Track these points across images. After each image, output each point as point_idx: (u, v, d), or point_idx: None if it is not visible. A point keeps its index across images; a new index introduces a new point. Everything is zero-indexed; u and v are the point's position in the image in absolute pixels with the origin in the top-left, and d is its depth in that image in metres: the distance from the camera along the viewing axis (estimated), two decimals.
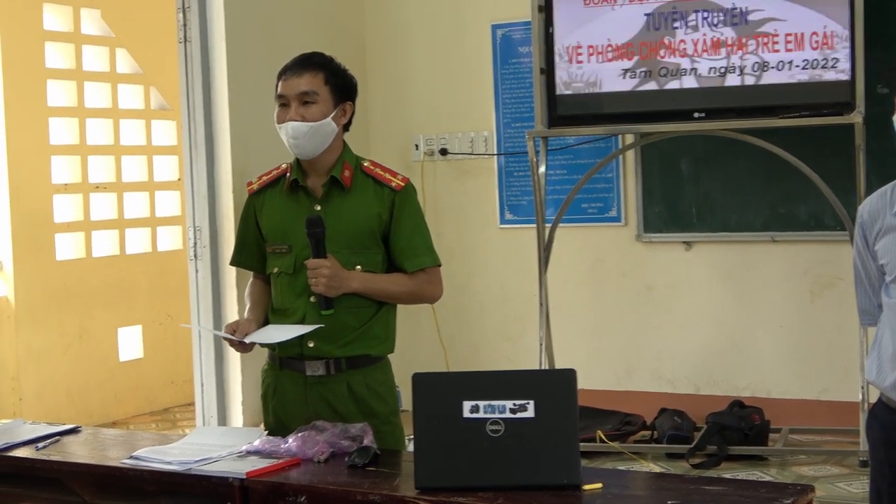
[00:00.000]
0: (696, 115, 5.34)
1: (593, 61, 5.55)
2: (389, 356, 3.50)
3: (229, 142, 5.87)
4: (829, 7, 5.06)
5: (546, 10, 5.55)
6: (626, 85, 5.51)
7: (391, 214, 3.35)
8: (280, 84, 3.31)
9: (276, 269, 3.41)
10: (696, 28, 5.39)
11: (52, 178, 7.56)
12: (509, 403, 2.62)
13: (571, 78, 5.58)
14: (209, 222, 5.95)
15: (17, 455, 3.39)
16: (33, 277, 7.33)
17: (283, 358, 3.40)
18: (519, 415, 2.61)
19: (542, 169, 5.67)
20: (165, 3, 6.31)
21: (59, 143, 7.64)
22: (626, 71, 5.51)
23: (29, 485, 3.47)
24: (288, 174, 3.40)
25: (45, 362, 7.28)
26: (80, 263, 7.72)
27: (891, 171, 3.06)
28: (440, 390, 2.75)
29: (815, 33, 5.14)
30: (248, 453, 3.07)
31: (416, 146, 6.57)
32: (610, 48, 5.52)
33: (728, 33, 5.33)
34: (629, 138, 5.84)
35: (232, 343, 3.47)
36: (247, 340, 3.36)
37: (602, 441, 5.54)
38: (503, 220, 6.43)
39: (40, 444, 3.45)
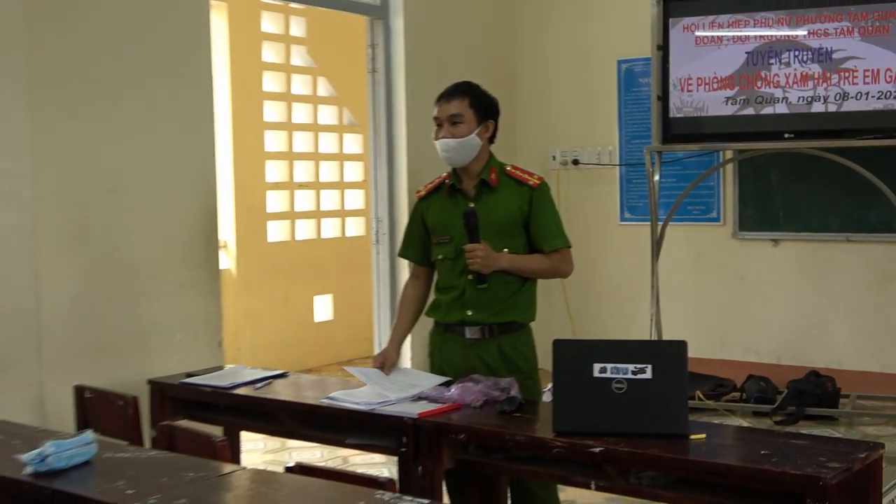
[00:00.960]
0: (786, 135, 5.57)
1: (701, 90, 5.77)
2: (530, 325, 3.67)
3: (405, 151, 6.17)
4: None
5: (664, 48, 5.79)
6: (728, 110, 5.71)
7: (530, 207, 3.54)
8: (435, 108, 3.57)
9: (440, 256, 3.63)
10: (788, 64, 5.60)
11: (266, 177, 8.02)
12: (631, 367, 2.80)
13: (682, 104, 5.81)
14: (388, 214, 6.27)
15: (240, 393, 3.78)
16: (250, 255, 7.79)
17: (448, 324, 3.63)
18: (639, 376, 2.78)
19: (657, 178, 5.87)
20: (357, 41, 6.58)
21: (272, 151, 8.10)
22: (728, 98, 5.72)
23: (249, 416, 3.87)
24: (447, 181, 3.66)
25: (257, 321, 7.71)
26: (285, 245, 8.19)
27: None
28: (575, 354, 2.93)
29: (888, 69, 5.33)
30: (419, 398, 3.37)
31: (553, 157, 6.68)
32: (715, 80, 5.74)
33: (815, 69, 5.50)
34: (728, 154, 5.98)
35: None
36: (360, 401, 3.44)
37: (700, 399, 5.70)
38: (622, 219, 6.64)
39: (257, 385, 3.82)
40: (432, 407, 3.30)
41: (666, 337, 5.84)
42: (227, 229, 7.43)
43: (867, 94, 5.47)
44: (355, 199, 8.85)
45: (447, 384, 3.49)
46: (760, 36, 5.76)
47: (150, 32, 4.70)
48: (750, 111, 5.78)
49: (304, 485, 2.74)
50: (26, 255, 4.10)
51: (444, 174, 3.70)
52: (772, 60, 5.74)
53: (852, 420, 5.52)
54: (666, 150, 6.06)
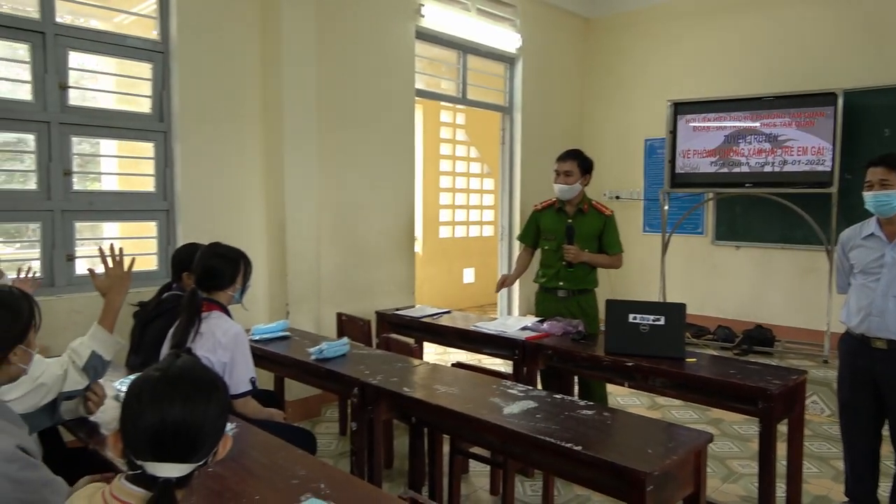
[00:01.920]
0: (746, 185, 5.35)
1: (695, 157, 5.61)
2: (595, 290, 3.68)
3: (519, 188, 6.10)
4: (822, 133, 5.03)
5: (673, 132, 5.63)
6: (711, 169, 5.53)
7: (604, 227, 3.58)
8: (556, 164, 3.56)
9: (546, 247, 3.66)
10: (749, 143, 5.40)
11: (439, 201, 8.02)
12: (651, 317, 2.85)
13: (683, 165, 5.64)
14: (508, 224, 6.22)
15: (424, 320, 3.85)
16: (430, 244, 7.83)
17: (548, 288, 3.64)
18: (656, 322, 2.83)
19: (666, 207, 5.73)
20: (493, 125, 6.46)
21: (443, 187, 8.11)
22: (712, 162, 5.54)
23: (429, 333, 3.90)
24: (555, 204, 3.63)
25: (432, 281, 7.74)
26: (449, 240, 8.17)
27: (855, 216, 2.96)
28: (619, 308, 2.93)
29: (812, 146, 5.10)
30: (525, 328, 3.43)
31: (605, 194, 6.48)
32: (704, 151, 5.57)
33: (766, 145, 5.29)
34: (710, 195, 5.73)
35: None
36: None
37: (688, 338, 5.33)
38: (643, 231, 6.42)
39: (434, 316, 3.94)
40: (533, 334, 3.36)
41: (670, 299, 5.70)
42: (418, 230, 7.33)
43: (798, 161, 5.23)
44: (488, 215, 8.81)
45: (541, 321, 3.51)
46: (733, 126, 5.56)
47: (383, 117, 4.86)
48: (725, 170, 5.58)
49: (461, 373, 2.83)
50: (313, 240, 4.27)
51: (553, 199, 3.68)
52: (740, 140, 5.53)
53: (783, 356, 5.20)
54: (672, 192, 5.83)
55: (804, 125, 5.22)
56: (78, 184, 3.58)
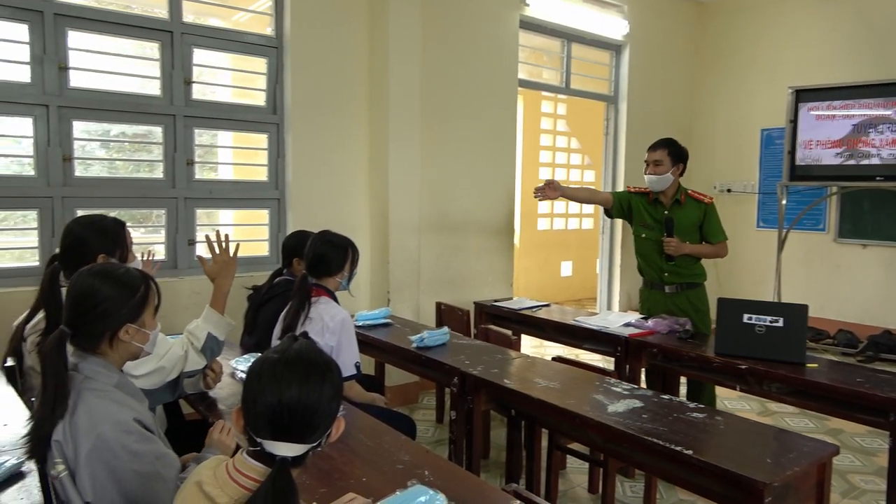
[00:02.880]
0: (877, 178, 5.03)
1: (818, 149, 5.28)
2: (705, 284, 3.52)
3: (623, 180, 5.89)
4: None
5: (794, 122, 5.33)
6: (836, 161, 5.20)
7: (704, 215, 3.42)
8: (646, 154, 3.47)
9: (643, 235, 3.50)
10: (881, 132, 5.04)
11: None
12: (769, 318, 2.72)
13: (804, 156, 5.34)
14: (610, 219, 6.13)
15: (524, 312, 3.84)
16: (527, 236, 7.70)
17: (653, 282, 3.51)
18: (774, 324, 2.72)
19: (784, 202, 5.46)
20: (595, 115, 6.36)
21: (543, 178, 7.45)
22: (837, 153, 5.21)
23: (527, 326, 3.85)
24: (650, 194, 3.49)
25: (529, 273, 7.68)
26: (547, 232, 8.06)
27: None
28: (732, 307, 2.80)
29: None
30: (629, 325, 3.33)
31: (714, 186, 6.24)
32: (829, 142, 5.24)
33: None
34: (834, 189, 5.44)
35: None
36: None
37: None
38: (758, 226, 6.10)
39: (533, 309, 3.92)
40: (637, 331, 3.28)
41: (785, 301, 5.29)
42: (516, 222, 7.16)
43: None
44: (588, 208, 8.59)
45: (646, 318, 3.41)
46: (863, 114, 5.17)
47: (485, 108, 4.85)
48: (852, 162, 5.21)
49: (561, 368, 2.77)
50: (415, 231, 4.33)
51: (648, 189, 3.56)
52: (870, 130, 5.14)
53: None
54: (791, 185, 5.54)
55: None
56: (198, 173, 3.80)
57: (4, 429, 1.90)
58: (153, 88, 3.65)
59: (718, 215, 3.48)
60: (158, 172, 3.70)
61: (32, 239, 3.35)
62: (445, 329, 3.14)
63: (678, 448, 1.87)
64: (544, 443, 2.86)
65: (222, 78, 4.25)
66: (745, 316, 2.78)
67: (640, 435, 1.97)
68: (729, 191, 6.33)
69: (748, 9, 6.25)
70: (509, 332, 3.52)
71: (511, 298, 4.31)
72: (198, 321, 2.15)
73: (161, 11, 3.63)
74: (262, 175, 4.08)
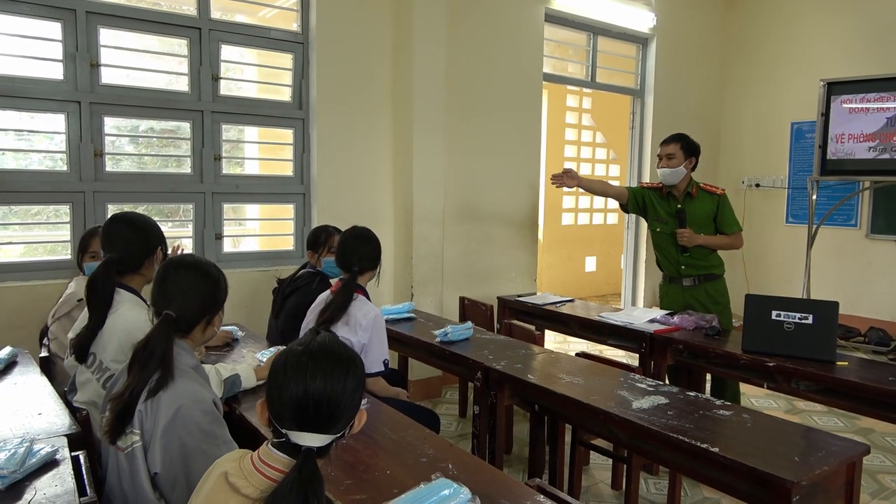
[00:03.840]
0: None
1: (851, 142, 5.14)
2: (723, 276, 3.49)
3: (648, 174, 5.82)
4: None
5: (826, 115, 5.21)
6: (870, 155, 5.05)
7: (717, 207, 3.41)
8: (660, 148, 3.48)
9: (658, 229, 3.51)
10: None
11: (563, 190, 8.03)
12: (798, 315, 2.67)
13: (836, 150, 5.20)
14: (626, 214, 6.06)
15: (547, 308, 3.80)
16: (551, 232, 7.68)
17: (671, 276, 3.51)
18: (803, 321, 2.67)
19: (814, 196, 5.34)
20: (620, 109, 6.29)
21: None
22: (870, 147, 5.06)
23: (551, 321, 3.80)
24: (663, 189, 3.50)
25: (552, 269, 7.66)
26: (571, 227, 8.02)
27: None
28: (760, 303, 2.76)
29: None
30: (654, 321, 3.29)
31: (742, 181, 6.16)
32: (862, 135, 5.10)
33: None
34: (867, 183, 5.30)
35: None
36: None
37: None
38: (787, 221, 5.98)
39: (557, 304, 3.88)
40: (662, 327, 3.24)
41: (815, 298, 5.16)
42: (540, 217, 7.16)
43: None
44: (612, 203, 8.41)
45: (671, 314, 3.39)
46: None
47: (510, 102, 4.84)
48: (886, 156, 5.06)
49: (585, 363, 2.76)
50: (439, 225, 4.33)
51: (658, 183, 3.59)
52: None
53: None
54: (822, 180, 5.39)
55: None
56: (225, 168, 3.86)
57: (39, 417, 1.96)
58: (182, 84, 3.71)
59: (731, 206, 3.48)
60: (186, 167, 3.75)
61: (64, 233, 3.43)
62: (469, 324, 3.14)
63: (704, 445, 1.85)
64: (567, 438, 2.85)
65: (248, 74, 4.29)
66: (774, 313, 2.74)
67: (666, 432, 1.95)
68: (758, 185, 6.23)
69: (777, 0, 6.12)
70: (532, 328, 3.52)
71: (534, 294, 4.31)
72: (234, 365, 2.26)
73: (189, 8, 3.68)
74: (287, 170, 4.11)
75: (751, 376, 2.80)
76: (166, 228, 3.84)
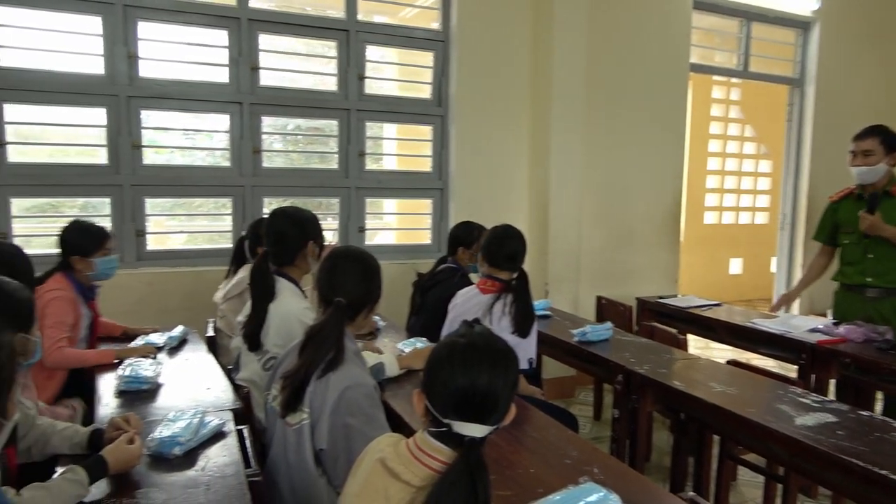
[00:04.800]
0: None
1: None
2: None
3: (807, 172, 5.42)
4: None
5: None
6: None
7: None
8: (852, 143, 3.05)
9: (846, 241, 3.16)
10: None
11: (705, 185, 7.54)
12: None
13: None
14: (791, 211, 5.56)
15: (692, 311, 3.60)
16: (693, 231, 7.31)
17: (851, 285, 3.13)
18: None
19: None
20: (771, 100, 5.96)
21: (711, 169, 7.60)
22: None
23: (694, 325, 3.55)
24: (854, 191, 3.14)
25: (693, 269, 7.18)
26: (714, 226, 7.68)
27: None
28: None
29: None
30: (816, 331, 3.01)
31: None
32: None
33: None
34: None
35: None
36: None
37: None
38: None
39: (702, 308, 3.64)
40: (826, 337, 2.96)
41: None
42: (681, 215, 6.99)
43: None
44: (762, 201, 8.05)
45: (837, 324, 3.07)
46: None
47: (653, 95, 4.67)
48: None
49: (737, 372, 2.60)
50: (575, 221, 4.26)
51: (851, 187, 3.18)
52: None
53: None
54: None
55: None
56: (367, 164, 4.02)
57: (208, 392, 2.15)
58: (329, 84, 3.90)
59: None
60: (333, 163, 3.95)
61: (225, 223, 3.74)
62: (609, 324, 3.05)
63: (883, 472, 1.66)
64: (714, 451, 2.70)
65: (389, 72, 4.44)
66: None
67: (836, 453, 1.78)
68: None
69: None
70: (675, 331, 3.36)
71: (675, 296, 4.11)
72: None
73: (336, 12, 3.86)
74: (426, 166, 4.21)
75: None
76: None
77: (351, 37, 3.86)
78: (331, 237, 3.87)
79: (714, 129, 7.61)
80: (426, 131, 4.19)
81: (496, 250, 2.53)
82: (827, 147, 5.42)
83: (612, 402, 2.72)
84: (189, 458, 1.63)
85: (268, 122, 3.76)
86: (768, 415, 2.06)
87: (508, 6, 4.12)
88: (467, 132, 4.09)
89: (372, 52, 3.98)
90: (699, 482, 2.62)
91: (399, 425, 1.94)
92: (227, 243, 3.65)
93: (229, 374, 2.33)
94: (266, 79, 3.70)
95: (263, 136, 3.74)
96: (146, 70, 3.41)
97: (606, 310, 3.89)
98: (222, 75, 3.61)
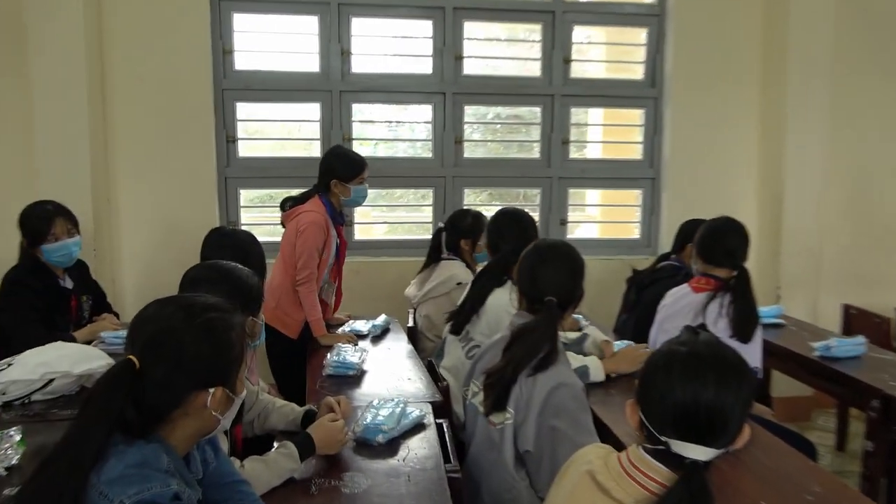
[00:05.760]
0: None
1: None
2: None
3: None
4: None
5: None
6: None
7: None
8: None
9: None
10: None
11: None
12: None
13: None
14: None
15: None
16: None
17: None
18: None
19: None
20: None
21: None
22: None
23: None
24: None
25: None
26: None
27: None
28: None
29: None
30: None
31: None
32: None
33: None
34: None
35: None
36: None
37: None
38: None
39: None
40: None
41: None
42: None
43: None
44: None
45: None
46: None
47: None
48: None
49: None
50: (816, 216, 3.84)
51: None
52: None
53: None
54: None
55: None
56: (570, 152, 3.96)
57: (408, 382, 2.24)
58: (532, 70, 3.88)
59: None
60: (534, 152, 3.94)
61: (425, 215, 3.91)
62: (861, 338, 2.69)
63: None
64: None
65: (595, 53, 4.30)
66: None
67: None
68: None
69: None
70: None
71: None
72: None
73: None
74: (635, 153, 4.04)
75: None
76: None
77: (557, 18, 3.81)
78: None
79: None
80: (636, 115, 4.02)
81: (713, 245, 2.37)
82: None
83: (866, 432, 2.40)
84: (391, 446, 1.71)
85: (469, 112, 3.85)
86: None
87: None
88: (685, 114, 3.86)
89: (578, 33, 3.90)
90: None
91: (605, 436, 1.86)
92: (426, 234, 3.78)
93: (430, 365, 2.41)
94: (469, 67, 3.79)
95: (465, 126, 3.83)
96: (357, 65, 3.67)
97: (856, 321, 3.45)
98: (426, 66, 3.76)
